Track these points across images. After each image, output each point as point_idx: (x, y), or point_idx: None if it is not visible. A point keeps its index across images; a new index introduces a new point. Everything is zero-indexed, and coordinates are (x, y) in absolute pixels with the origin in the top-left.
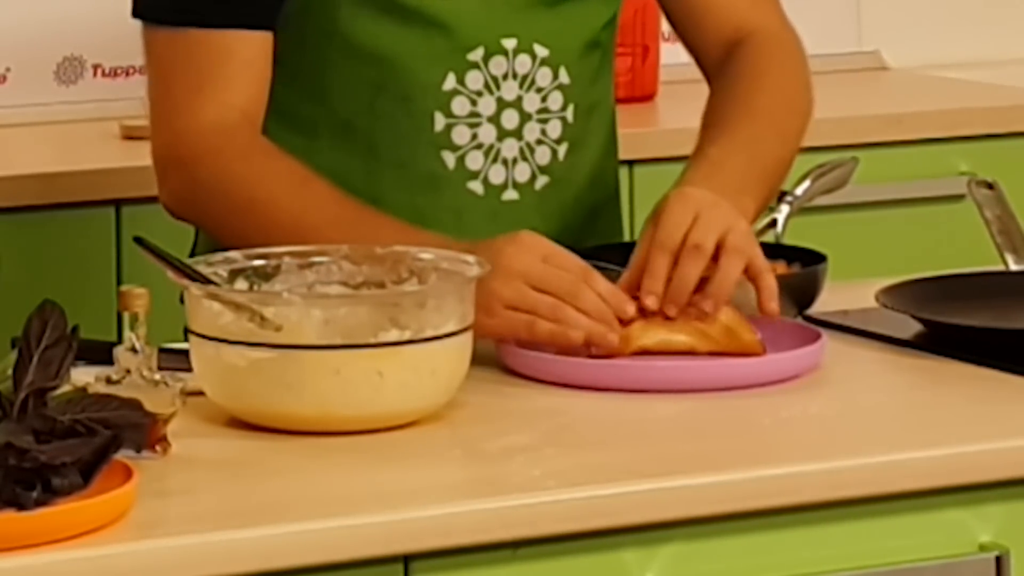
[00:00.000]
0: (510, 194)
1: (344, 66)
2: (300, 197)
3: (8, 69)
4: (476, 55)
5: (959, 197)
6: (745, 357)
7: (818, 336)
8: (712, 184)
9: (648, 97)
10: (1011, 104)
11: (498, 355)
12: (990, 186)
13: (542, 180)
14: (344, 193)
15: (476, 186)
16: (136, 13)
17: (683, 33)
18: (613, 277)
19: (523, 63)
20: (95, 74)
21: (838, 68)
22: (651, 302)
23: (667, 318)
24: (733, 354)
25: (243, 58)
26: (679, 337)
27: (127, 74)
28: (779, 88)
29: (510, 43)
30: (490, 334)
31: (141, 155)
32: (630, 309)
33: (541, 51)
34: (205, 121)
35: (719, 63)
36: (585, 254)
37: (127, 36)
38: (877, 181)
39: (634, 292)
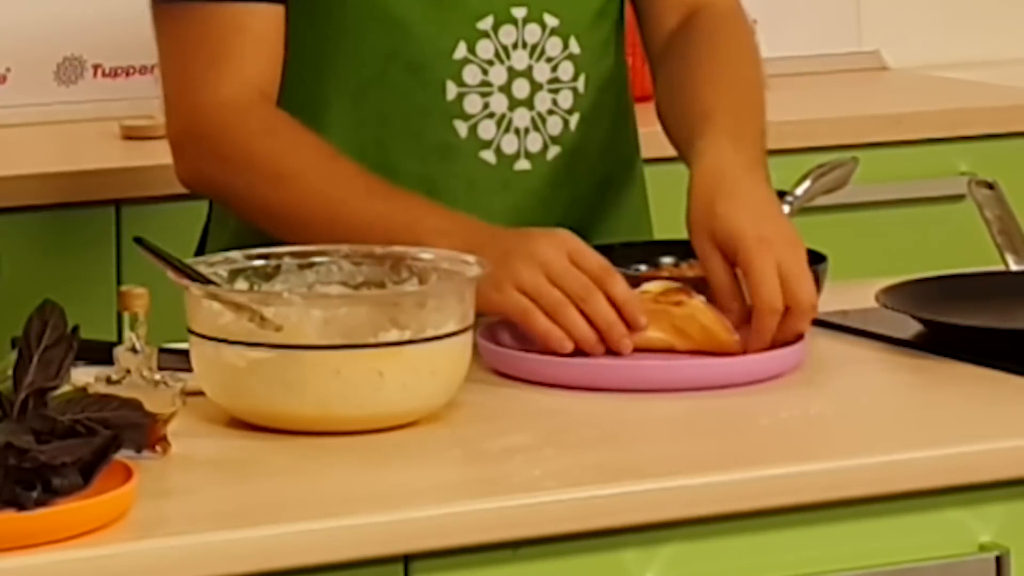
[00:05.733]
0: (522, 164)
1: (355, 35)
2: (328, 171)
3: (8, 69)
4: (485, 24)
5: (959, 197)
6: (723, 357)
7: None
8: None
9: (648, 97)
10: (1011, 104)
11: (494, 362)
12: (990, 186)
13: (554, 150)
14: (369, 171)
15: (488, 155)
16: None
17: (641, 6)
18: (629, 281)
19: (533, 32)
20: (95, 74)
21: (838, 68)
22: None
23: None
24: (711, 354)
25: (255, 33)
26: (657, 334)
27: (127, 74)
28: (737, 55)
29: (520, 12)
30: (490, 308)
31: (141, 155)
32: (642, 321)
33: (551, 21)
34: (224, 96)
35: (671, 33)
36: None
37: (127, 36)
38: (877, 181)
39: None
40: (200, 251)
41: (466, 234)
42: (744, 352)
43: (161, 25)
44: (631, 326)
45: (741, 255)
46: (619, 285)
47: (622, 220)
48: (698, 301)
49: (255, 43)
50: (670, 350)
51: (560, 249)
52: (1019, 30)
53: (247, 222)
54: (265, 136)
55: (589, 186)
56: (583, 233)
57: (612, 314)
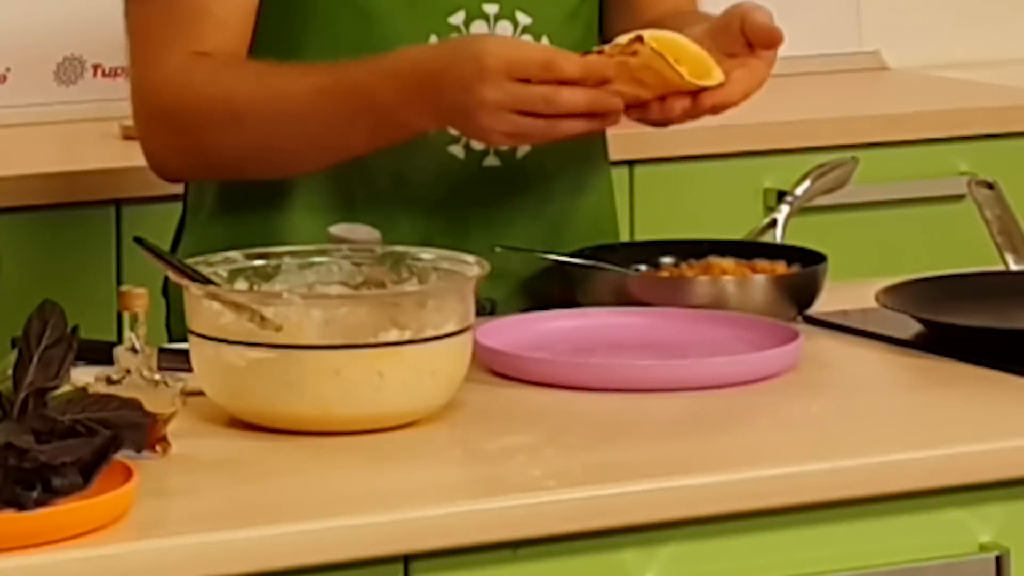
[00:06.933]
0: (491, 160)
1: (325, 28)
2: (270, 88)
3: (8, 69)
4: (457, 19)
5: (959, 197)
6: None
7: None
8: None
9: None
10: (1011, 104)
11: (493, 363)
12: (990, 186)
13: (523, 148)
14: (309, 65)
15: (457, 150)
16: None
17: (610, 16)
18: (613, 277)
19: (504, 29)
20: (95, 74)
21: (838, 68)
22: None
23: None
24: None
25: (218, 18)
26: (624, 88)
27: (127, 74)
28: None
29: (491, 8)
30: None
31: (141, 155)
32: (608, 72)
33: (523, 18)
34: (171, 69)
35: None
36: (584, 255)
37: None
38: (877, 181)
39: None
40: (175, 241)
41: (414, 90)
42: (701, 89)
43: (129, 10)
44: (605, 79)
45: (748, 12)
46: (567, 68)
47: (590, 221)
48: (648, 49)
49: (216, 28)
50: (637, 101)
51: (499, 84)
52: (1019, 30)
53: (219, 207)
54: (208, 86)
55: (560, 187)
56: (554, 233)
57: (580, 97)
